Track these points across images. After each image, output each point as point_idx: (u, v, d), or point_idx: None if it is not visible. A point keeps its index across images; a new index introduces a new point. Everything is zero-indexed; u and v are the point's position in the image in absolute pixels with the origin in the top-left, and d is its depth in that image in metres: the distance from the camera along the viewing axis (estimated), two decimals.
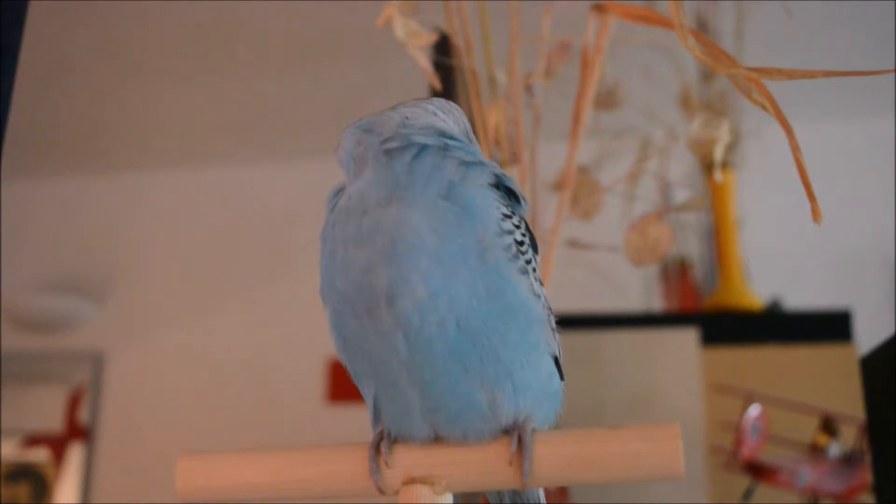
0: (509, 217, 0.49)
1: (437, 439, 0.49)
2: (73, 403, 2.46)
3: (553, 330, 0.52)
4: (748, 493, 1.09)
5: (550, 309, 0.52)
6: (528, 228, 0.51)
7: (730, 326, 1.17)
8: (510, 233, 0.48)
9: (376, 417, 0.51)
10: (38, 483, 2.40)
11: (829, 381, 1.11)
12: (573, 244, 0.94)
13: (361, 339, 0.48)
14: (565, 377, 0.53)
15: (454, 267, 0.46)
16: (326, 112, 2.20)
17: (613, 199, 1.02)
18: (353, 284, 0.47)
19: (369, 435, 0.51)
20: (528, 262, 0.49)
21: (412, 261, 0.45)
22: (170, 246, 2.60)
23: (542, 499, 0.54)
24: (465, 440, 0.48)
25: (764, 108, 0.55)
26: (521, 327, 0.48)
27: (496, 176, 0.50)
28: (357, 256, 0.47)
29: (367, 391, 0.51)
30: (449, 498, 0.49)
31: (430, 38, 0.81)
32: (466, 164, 0.48)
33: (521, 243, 0.49)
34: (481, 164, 0.49)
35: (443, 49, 0.94)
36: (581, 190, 0.87)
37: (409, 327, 0.46)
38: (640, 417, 1.11)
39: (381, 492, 0.49)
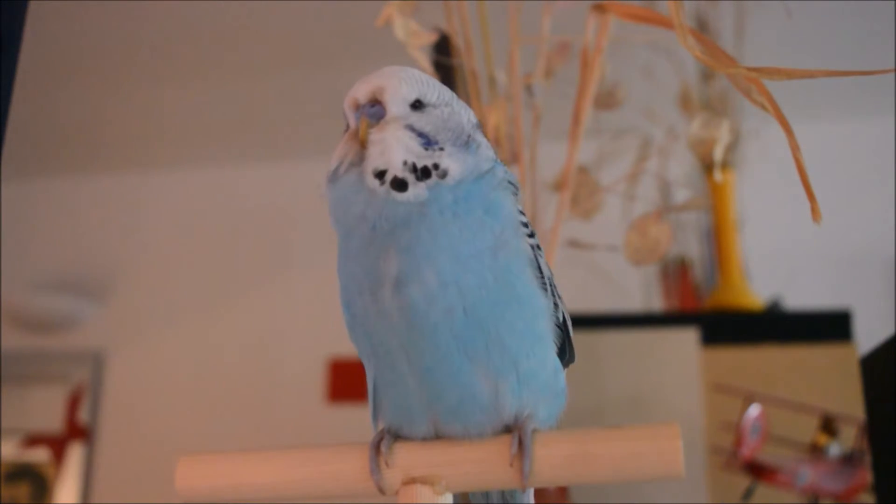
0: (523, 214, 0.50)
1: (437, 436, 0.49)
2: (73, 403, 2.46)
3: (563, 322, 0.52)
4: (748, 493, 1.09)
5: (561, 304, 0.52)
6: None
7: (730, 326, 1.17)
8: (525, 226, 0.49)
9: (376, 407, 0.51)
10: (38, 483, 2.40)
11: (829, 381, 1.11)
12: (573, 244, 0.94)
13: (364, 318, 0.48)
14: (565, 377, 0.53)
15: (469, 262, 0.46)
16: (326, 112, 2.20)
17: (613, 199, 1.02)
18: (361, 266, 0.47)
19: (370, 434, 0.51)
20: (532, 260, 0.50)
21: (429, 255, 0.46)
22: (170, 245, 2.60)
23: (531, 498, 0.55)
24: (466, 435, 0.48)
25: (764, 108, 0.55)
26: (527, 317, 0.49)
27: (509, 178, 0.51)
28: (373, 242, 0.47)
29: (368, 374, 0.51)
30: (449, 498, 0.49)
31: (430, 38, 0.81)
32: (491, 171, 0.50)
33: (531, 234, 0.50)
34: (504, 170, 0.51)
35: (443, 49, 0.94)
36: (581, 190, 0.87)
37: (414, 313, 0.46)
38: (640, 417, 1.11)
39: (382, 492, 0.49)
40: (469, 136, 0.50)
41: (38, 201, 2.68)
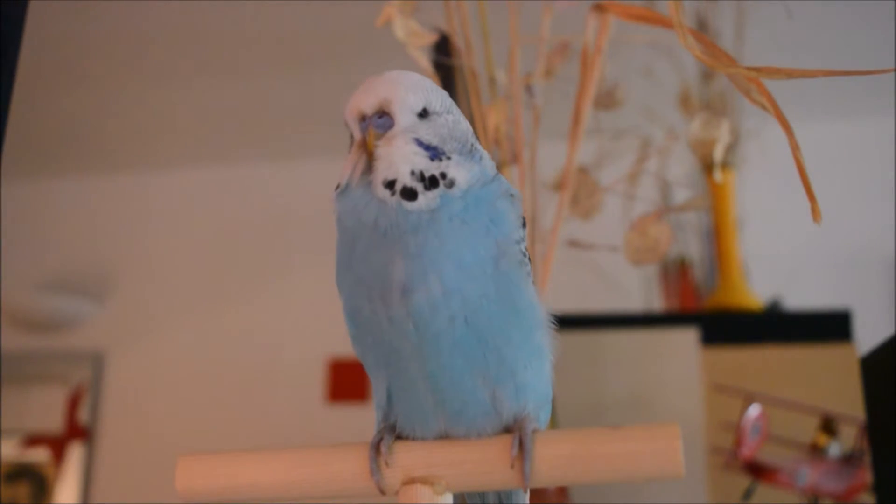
0: (521, 227, 0.50)
1: (443, 436, 0.50)
2: (73, 403, 2.46)
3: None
4: (748, 493, 1.09)
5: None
6: None
7: (730, 326, 1.17)
8: (519, 242, 0.50)
9: (388, 410, 0.51)
10: (38, 483, 2.40)
11: (829, 381, 1.11)
12: (573, 244, 0.94)
13: (374, 325, 0.48)
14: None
15: (472, 270, 0.47)
16: (327, 112, 2.20)
17: (613, 199, 1.02)
18: (370, 271, 0.47)
19: (370, 434, 0.51)
20: (529, 273, 0.51)
21: (435, 261, 0.46)
22: (170, 246, 2.60)
23: (527, 498, 0.55)
24: (468, 435, 0.49)
25: (764, 108, 0.55)
26: (525, 330, 0.49)
27: (512, 191, 0.51)
28: (380, 246, 0.47)
29: (379, 383, 0.51)
30: (449, 498, 0.49)
31: (430, 38, 0.81)
32: (495, 179, 0.51)
33: (524, 254, 0.50)
34: (506, 182, 0.52)
35: (443, 49, 0.94)
36: (581, 190, 0.87)
37: (419, 319, 0.46)
38: (640, 417, 1.11)
39: (382, 492, 0.49)
40: (472, 145, 0.51)
41: (38, 201, 2.68)
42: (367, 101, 0.49)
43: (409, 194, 0.47)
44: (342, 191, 0.49)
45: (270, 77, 2.17)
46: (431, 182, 0.47)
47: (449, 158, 0.48)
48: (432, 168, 0.47)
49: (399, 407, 0.50)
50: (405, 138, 0.48)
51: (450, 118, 0.50)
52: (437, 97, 0.50)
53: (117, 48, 2.04)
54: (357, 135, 0.50)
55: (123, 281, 2.60)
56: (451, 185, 0.47)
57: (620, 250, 0.85)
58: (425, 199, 0.47)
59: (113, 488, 2.34)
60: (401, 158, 0.47)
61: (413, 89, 0.49)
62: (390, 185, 0.47)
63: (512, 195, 0.51)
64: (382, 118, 0.48)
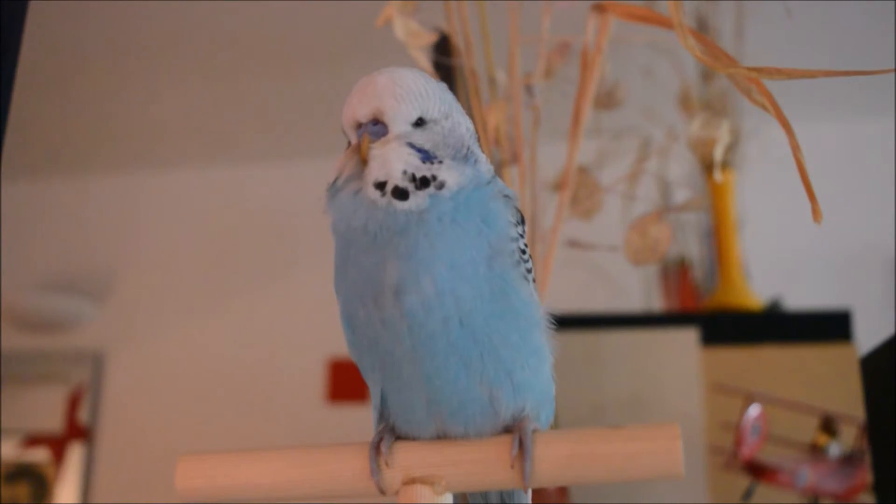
0: (517, 225, 0.50)
1: (441, 435, 0.50)
2: (73, 403, 2.46)
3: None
4: (748, 493, 1.09)
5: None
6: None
7: (730, 326, 1.17)
8: (515, 240, 0.50)
9: (383, 412, 0.51)
10: (38, 483, 2.40)
11: (829, 381, 1.11)
12: (573, 244, 0.94)
13: (369, 329, 0.48)
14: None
15: (465, 270, 0.47)
16: (326, 112, 2.20)
17: (613, 199, 1.02)
18: (362, 274, 0.48)
19: (370, 434, 0.51)
20: (529, 270, 0.50)
21: (426, 262, 0.46)
22: (170, 246, 2.60)
23: (529, 498, 0.55)
24: (466, 434, 0.49)
25: (764, 108, 0.55)
26: (522, 329, 0.49)
27: (507, 192, 0.52)
28: (372, 250, 0.47)
29: (374, 386, 0.51)
30: (449, 498, 0.49)
31: (430, 38, 0.81)
32: (491, 182, 0.51)
33: (524, 251, 0.50)
34: (503, 185, 0.52)
35: (443, 49, 0.94)
36: (581, 190, 0.87)
37: (413, 321, 0.46)
38: (640, 417, 1.11)
39: (382, 492, 0.49)
40: (468, 149, 0.51)
41: (39, 201, 2.68)
42: (362, 110, 0.49)
43: (401, 194, 0.47)
44: (332, 195, 0.49)
45: (270, 77, 2.17)
46: (422, 182, 0.47)
47: (441, 163, 0.49)
48: (423, 169, 0.48)
49: (394, 408, 0.50)
50: (399, 142, 0.48)
51: (447, 124, 0.50)
52: (435, 102, 0.50)
53: (117, 48, 2.04)
54: (353, 140, 0.50)
55: (123, 281, 2.60)
56: (440, 186, 0.48)
57: (620, 250, 0.86)
58: (416, 199, 0.47)
59: (113, 488, 2.34)
60: (394, 158, 0.47)
61: (408, 98, 0.49)
62: (381, 185, 0.47)
63: (507, 196, 0.51)
64: (377, 125, 0.49)
